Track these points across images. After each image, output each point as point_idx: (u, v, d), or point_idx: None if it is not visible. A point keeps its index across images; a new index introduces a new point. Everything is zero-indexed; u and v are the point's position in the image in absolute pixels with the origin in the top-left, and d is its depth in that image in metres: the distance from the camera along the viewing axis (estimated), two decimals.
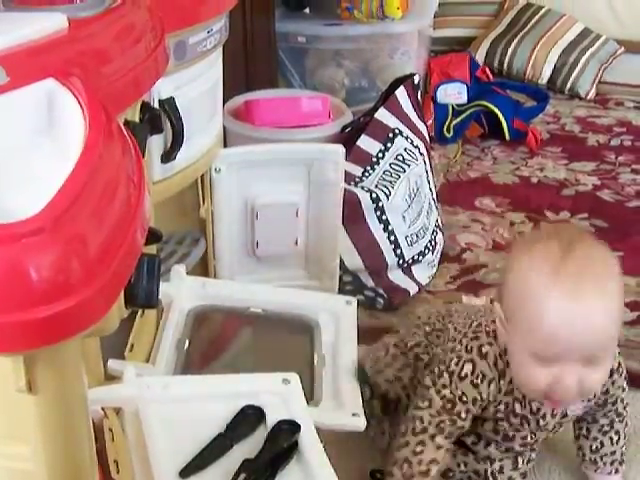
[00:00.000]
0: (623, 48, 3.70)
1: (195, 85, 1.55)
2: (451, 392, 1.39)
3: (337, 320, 1.53)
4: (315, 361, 1.44)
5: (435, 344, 1.53)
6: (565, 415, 1.46)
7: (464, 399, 1.38)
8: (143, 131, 1.22)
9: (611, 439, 1.52)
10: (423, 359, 1.53)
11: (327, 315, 1.54)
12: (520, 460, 1.52)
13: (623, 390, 1.50)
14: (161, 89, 1.43)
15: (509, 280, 1.33)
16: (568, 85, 3.54)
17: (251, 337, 1.55)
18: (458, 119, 3.01)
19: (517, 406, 1.41)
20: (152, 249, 1.49)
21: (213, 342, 1.52)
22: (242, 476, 1.10)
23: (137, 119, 1.24)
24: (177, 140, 1.49)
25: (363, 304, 2.02)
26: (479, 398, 1.38)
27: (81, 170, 0.72)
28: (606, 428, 1.52)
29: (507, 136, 3.03)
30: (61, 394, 0.78)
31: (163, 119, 1.45)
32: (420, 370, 1.53)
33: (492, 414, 1.42)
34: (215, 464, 1.13)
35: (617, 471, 1.54)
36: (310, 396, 1.34)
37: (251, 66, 2.55)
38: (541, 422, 1.44)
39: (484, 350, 1.39)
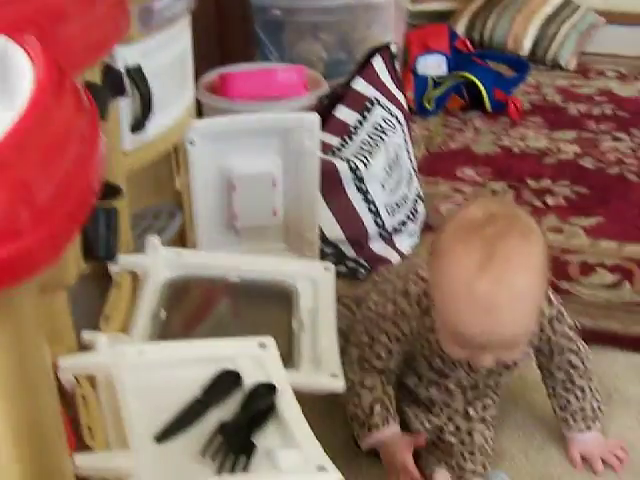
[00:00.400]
0: (603, 19, 3.68)
1: (163, 53, 1.53)
2: (369, 336, 1.45)
3: (315, 286, 1.51)
4: (294, 326, 1.42)
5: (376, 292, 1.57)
6: (501, 364, 1.47)
7: (382, 339, 1.44)
8: (103, 92, 1.21)
9: (576, 396, 1.52)
10: (364, 304, 1.58)
11: (305, 281, 1.52)
12: (471, 410, 1.53)
13: (570, 340, 1.50)
14: (127, 56, 1.42)
15: (432, 265, 1.34)
16: (549, 56, 3.54)
17: (229, 305, 1.53)
18: (438, 91, 3.00)
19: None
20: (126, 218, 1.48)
21: (190, 312, 1.50)
22: (218, 438, 1.08)
23: (98, 81, 1.23)
24: (146, 108, 1.47)
25: (345, 275, 2.01)
26: (400, 335, 1.43)
27: (26, 120, 0.70)
28: (567, 384, 1.52)
29: (488, 107, 3.02)
30: (18, 354, 0.76)
31: (131, 87, 1.43)
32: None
33: (421, 349, 1.44)
34: (191, 428, 1.12)
35: (590, 428, 1.53)
36: (289, 360, 1.33)
37: (226, 41, 2.53)
38: (471, 363, 1.45)
39: (408, 289, 1.44)
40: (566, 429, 1.55)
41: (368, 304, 1.54)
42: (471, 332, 1.27)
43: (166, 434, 1.10)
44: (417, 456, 1.47)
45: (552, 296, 1.48)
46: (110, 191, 0.86)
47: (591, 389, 1.53)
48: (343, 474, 1.06)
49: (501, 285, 1.24)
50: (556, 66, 3.54)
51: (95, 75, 1.24)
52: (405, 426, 1.51)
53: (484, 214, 1.29)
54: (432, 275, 1.34)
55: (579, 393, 1.52)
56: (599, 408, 1.54)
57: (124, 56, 1.40)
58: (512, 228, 1.27)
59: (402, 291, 1.44)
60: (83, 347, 1.24)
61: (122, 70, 1.40)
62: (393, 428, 1.45)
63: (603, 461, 1.53)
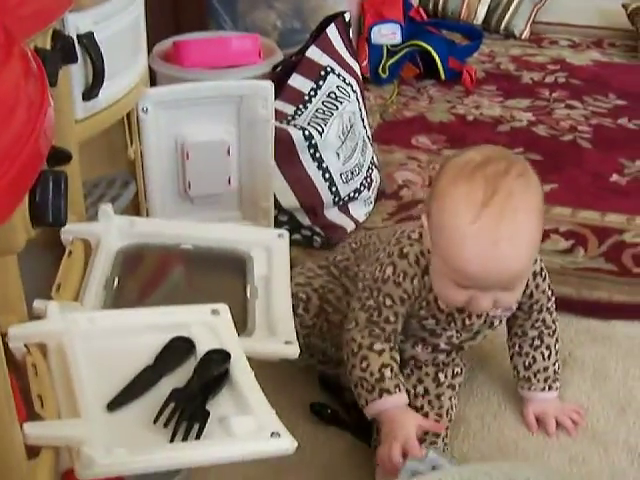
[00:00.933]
0: None
1: (115, 20, 1.50)
2: (375, 301, 1.43)
3: (269, 253, 1.51)
4: (248, 293, 1.41)
5: (361, 258, 1.57)
6: (492, 318, 1.49)
7: (388, 303, 1.43)
8: (53, 58, 1.19)
9: (542, 354, 1.54)
10: (351, 270, 1.60)
11: (259, 248, 1.51)
12: (441, 375, 1.54)
13: (548, 299, 1.53)
14: (79, 24, 1.40)
15: (433, 206, 1.35)
16: (503, 25, 3.55)
17: (182, 274, 1.53)
18: (393, 59, 3.00)
19: (442, 303, 1.43)
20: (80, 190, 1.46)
21: (143, 280, 1.48)
22: (171, 405, 1.07)
23: (48, 47, 1.21)
24: (98, 76, 1.45)
25: (300, 243, 2.01)
26: (405, 296, 1.43)
27: None
28: (537, 342, 1.54)
29: (442, 76, 3.02)
30: None
31: (83, 55, 1.42)
32: (351, 279, 1.59)
33: (418, 310, 1.45)
34: (144, 396, 1.11)
35: (550, 388, 1.56)
36: (243, 327, 1.32)
37: (180, 9, 2.52)
38: (467, 321, 1.47)
39: (405, 250, 1.43)
40: (526, 388, 1.57)
41: (360, 270, 1.55)
42: (474, 269, 1.28)
43: (118, 402, 1.09)
44: None
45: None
46: (60, 157, 0.85)
47: (556, 350, 1.57)
48: (298, 442, 1.07)
49: (504, 220, 1.26)
50: (510, 35, 3.56)
51: (46, 41, 1.22)
52: None
53: (482, 156, 1.31)
54: (434, 217, 1.34)
55: (545, 351, 1.55)
56: (559, 372, 1.57)
57: (76, 23, 1.38)
58: (511, 168, 1.30)
59: (399, 253, 1.44)
60: (34, 317, 1.23)
61: (74, 37, 1.38)
62: (404, 396, 1.42)
63: (558, 424, 1.54)
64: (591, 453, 1.50)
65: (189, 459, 1.04)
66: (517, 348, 1.57)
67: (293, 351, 1.30)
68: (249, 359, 1.18)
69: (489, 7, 3.54)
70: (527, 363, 1.56)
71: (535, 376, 1.56)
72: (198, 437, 1.05)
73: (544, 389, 1.56)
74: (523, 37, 3.53)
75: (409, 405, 1.45)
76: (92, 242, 1.47)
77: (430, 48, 2.99)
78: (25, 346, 1.12)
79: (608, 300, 1.87)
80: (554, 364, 1.56)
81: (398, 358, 1.46)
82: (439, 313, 1.45)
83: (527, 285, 1.46)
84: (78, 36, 1.40)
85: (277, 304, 1.40)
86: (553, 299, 1.55)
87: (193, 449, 1.04)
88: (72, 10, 1.33)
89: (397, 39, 3.03)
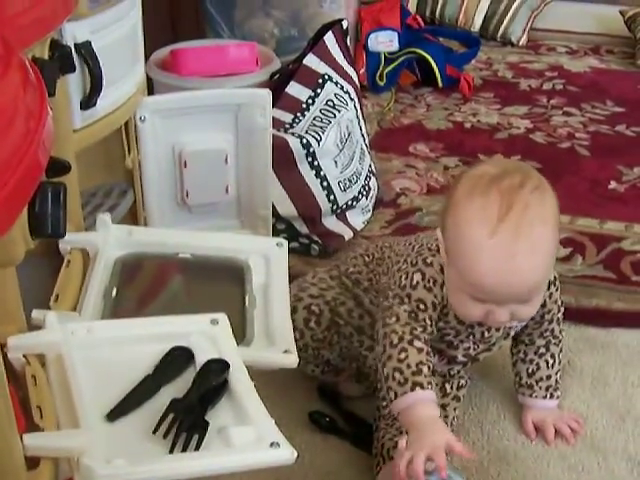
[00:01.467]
0: None
1: (112, 29, 1.50)
2: (409, 305, 1.41)
3: (268, 262, 1.50)
4: (246, 302, 1.41)
5: (376, 272, 1.56)
6: (508, 329, 1.50)
7: (422, 307, 1.41)
8: (51, 68, 1.19)
9: (547, 362, 1.55)
10: (363, 284, 1.59)
11: (258, 257, 1.51)
12: (447, 387, 1.54)
13: (559, 309, 1.53)
14: (77, 33, 1.39)
15: (449, 220, 1.34)
16: (500, 32, 3.56)
17: (181, 283, 1.52)
18: (390, 67, 3.00)
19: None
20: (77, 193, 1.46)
21: (142, 290, 1.48)
22: (170, 416, 1.07)
23: (46, 56, 1.21)
24: (96, 85, 1.45)
25: (298, 251, 2.01)
26: (437, 301, 1.41)
27: None
28: (542, 350, 1.55)
29: (440, 83, 3.03)
30: None
31: (81, 64, 1.41)
32: (363, 291, 1.59)
33: (438, 321, 1.43)
34: (143, 406, 1.10)
35: (552, 396, 1.56)
36: (242, 336, 1.32)
37: (177, 18, 2.52)
38: (486, 334, 1.47)
39: (429, 260, 1.42)
40: (527, 395, 1.57)
41: (383, 283, 1.52)
42: (491, 282, 1.28)
43: (117, 413, 1.08)
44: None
45: None
46: (59, 168, 0.85)
47: (560, 360, 1.57)
48: (298, 451, 1.06)
49: (521, 234, 1.26)
50: (507, 42, 3.56)
51: (44, 51, 1.22)
52: None
53: (497, 170, 1.31)
54: (449, 230, 1.34)
55: (550, 360, 1.56)
56: (560, 381, 1.58)
57: (73, 32, 1.37)
58: (527, 181, 1.29)
59: (423, 262, 1.43)
60: (33, 327, 1.23)
61: (71, 46, 1.37)
62: (434, 395, 1.35)
63: (557, 433, 1.54)
64: (590, 461, 1.50)
65: (189, 470, 1.03)
66: (522, 354, 1.57)
67: (292, 360, 1.29)
68: (248, 368, 1.18)
69: (486, 14, 3.55)
70: (530, 370, 1.56)
71: (537, 383, 1.56)
72: (197, 448, 1.05)
73: (545, 397, 1.56)
74: (520, 44, 3.54)
75: None
76: (90, 252, 1.47)
77: (427, 55, 2.99)
78: (24, 357, 1.11)
79: (607, 308, 1.87)
80: (557, 373, 1.57)
81: (434, 360, 1.43)
82: (459, 325, 1.44)
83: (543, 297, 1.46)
84: (76, 45, 1.40)
85: (276, 313, 1.39)
86: (562, 309, 1.55)
87: (192, 460, 1.03)
88: (69, 19, 1.32)
89: (394, 47, 3.03)
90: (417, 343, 1.37)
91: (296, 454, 1.06)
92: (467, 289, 1.33)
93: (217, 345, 1.20)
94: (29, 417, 1.03)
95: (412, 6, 3.57)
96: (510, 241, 1.26)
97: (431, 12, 3.60)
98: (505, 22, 3.55)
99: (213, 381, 1.12)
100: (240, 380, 1.14)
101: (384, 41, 3.02)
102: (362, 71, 2.95)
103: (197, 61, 2.14)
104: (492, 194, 1.28)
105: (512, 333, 1.53)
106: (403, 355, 1.35)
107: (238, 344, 1.23)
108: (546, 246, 1.29)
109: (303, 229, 2.03)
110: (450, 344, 1.49)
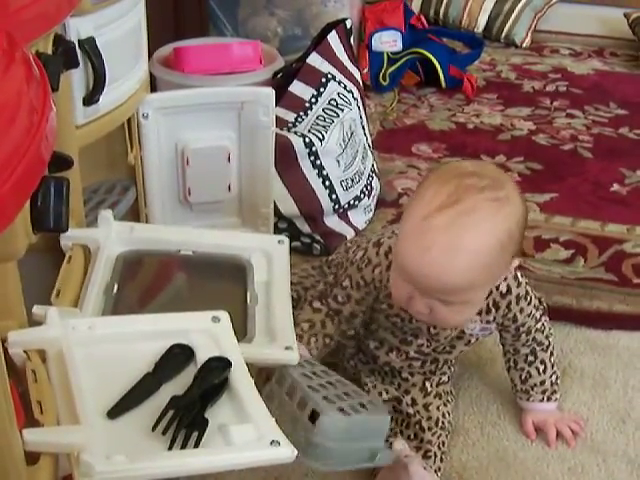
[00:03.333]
0: None
1: (116, 26, 1.50)
2: (335, 278, 1.49)
3: (269, 259, 1.50)
4: (248, 300, 1.41)
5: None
6: (462, 332, 1.48)
7: (345, 283, 1.46)
8: (55, 63, 1.19)
9: (537, 369, 1.54)
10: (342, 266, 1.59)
11: (259, 255, 1.51)
12: (428, 385, 1.55)
13: (537, 320, 1.51)
14: (80, 29, 1.39)
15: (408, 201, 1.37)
16: (504, 33, 3.55)
17: (182, 280, 1.52)
18: (394, 67, 2.99)
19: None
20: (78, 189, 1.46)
21: (143, 287, 1.48)
22: (170, 412, 1.07)
23: (49, 51, 1.21)
24: (99, 82, 1.45)
25: (300, 250, 2.00)
26: (362, 283, 1.44)
27: None
28: (530, 358, 1.54)
29: (443, 83, 3.02)
30: None
31: (84, 60, 1.41)
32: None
33: (381, 304, 1.46)
34: (144, 404, 1.11)
35: (549, 399, 1.56)
36: (243, 334, 1.32)
37: (180, 15, 2.51)
38: (432, 330, 1.47)
39: (381, 240, 1.46)
40: (525, 399, 1.57)
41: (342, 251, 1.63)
42: (408, 264, 1.27)
43: (118, 410, 1.08)
44: None
45: (520, 276, 1.48)
46: (61, 162, 0.85)
47: (552, 363, 1.56)
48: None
49: (448, 232, 1.23)
50: (511, 43, 3.55)
51: (47, 46, 1.22)
52: None
53: (473, 169, 1.30)
54: (404, 207, 1.35)
55: (540, 366, 1.55)
56: (557, 383, 1.57)
57: (77, 28, 1.38)
58: (491, 189, 1.26)
59: (375, 241, 1.46)
60: (34, 322, 1.23)
61: (75, 42, 1.37)
62: (306, 351, 1.42)
63: (557, 434, 1.54)
64: (590, 463, 1.49)
65: (188, 467, 1.03)
66: (512, 363, 1.57)
67: (293, 357, 1.29)
68: (249, 365, 1.18)
69: (490, 15, 3.54)
70: (523, 377, 1.56)
71: (532, 389, 1.56)
72: (197, 445, 1.05)
73: (542, 400, 1.56)
74: (524, 45, 3.53)
75: (399, 412, 1.49)
76: (92, 248, 1.47)
77: (431, 56, 2.98)
78: (25, 352, 1.11)
79: (608, 310, 1.87)
80: (551, 376, 1.56)
81: (330, 331, 1.47)
82: (402, 312, 1.44)
83: (509, 309, 1.46)
84: (79, 41, 1.40)
85: (277, 310, 1.40)
86: (544, 319, 1.54)
87: (192, 457, 1.04)
88: (73, 15, 1.32)
89: (398, 47, 3.03)
90: (316, 304, 1.47)
91: (296, 452, 1.06)
92: (396, 266, 1.33)
93: (218, 343, 1.20)
94: (29, 412, 1.03)
95: (416, 6, 3.57)
96: (435, 232, 1.23)
97: (435, 12, 3.60)
98: (509, 23, 3.54)
99: (214, 379, 1.13)
100: (241, 378, 1.14)
101: (388, 41, 3.02)
102: (365, 71, 2.95)
103: (200, 59, 2.14)
104: (449, 185, 1.25)
105: (473, 340, 1.51)
106: (297, 312, 1.48)
107: (239, 341, 1.23)
108: (475, 256, 1.24)
109: (305, 228, 2.02)
110: (404, 340, 1.49)
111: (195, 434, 1.05)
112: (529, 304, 1.49)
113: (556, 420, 1.55)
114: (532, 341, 1.53)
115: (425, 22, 3.22)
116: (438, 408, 1.52)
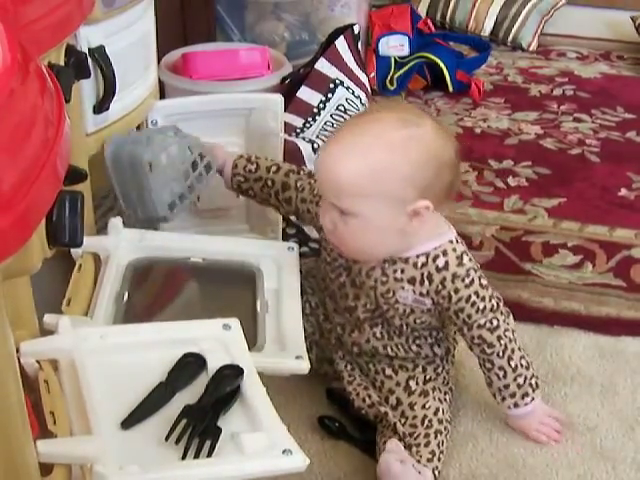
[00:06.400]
0: (564, 0, 3.69)
1: (126, 34, 1.51)
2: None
3: (279, 266, 1.51)
4: (258, 307, 1.42)
5: None
6: (397, 301, 1.48)
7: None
8: (67, 74, 1.20)
9: (497, 375, 1.51)
10: None
11: (269, 262, 1.52)
12: (412, 383, 1.53)
13: (482, 314, 1.47)
14: (90, 37, 1.40)
15: None
16: (510, 37, 3.54)
17: (192, 287, 1.53)
18: (400, 71, 2.99)
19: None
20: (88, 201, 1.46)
21: (153, 294, 1.49)
22: (183, 422, 1.07)
23: (62, 62, 1.21)
24: (109, 90, 1.46)
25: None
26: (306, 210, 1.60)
27: None
28: (487, 365, 1.51)
29: (450, 88, 3.02)
30: None
31: (94, 68, 1.42)
32: None
33: (324, 255, 1.55)
34: (157, 413, 1.11)
35: (517, 405, 1.53)
36: (253, 342, 1.33)
37: (188, 20, 2.51)
38: (357, 279, 1.49)
39: None
40: (500, 403, 1.54)
41: None
42: (317, 164, 1.43)
43: (132, 421, 1.09)
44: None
45: (467, 260, 1.46)
46: (75, 176, 0.85)
47: (513, 368, 1.50)
48: (310, 457, 1.06)
49: (352, 132, 1.38)
50: (517, 47, 3.55)
51: (59, 57, 1.22)
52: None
53: (396, 115, 1.38)
54: None
55: (500, 372, 1.50)
56: (530, 384, 1.52)
57: (87, 37, 1.39)
58: (407, 115, 1.38)
59: None
60: (45, 330, 1.23)
61: (85, 51, 1.38)
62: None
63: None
64: (599, 471, 1.49)
65: (201, 477, 1.04)
66: (480, 366, 1.54)
67: (304, 367, 1.30)
68: (259, 374, 1.18)
69: (497, 19, 3.54)
70: (488, 382, 1.53)
71: (500, 393, 1.53)
72: (210, 454, 1.05)
73: (510, 407, 1.53)
74: (531, 49, 3.53)
75: (384, 420, 1.48)
76: (102, 256, 1.47)
77: (438, 60, 2.98)
78: (37, 362, 1.12)
79: (616, 316, 1.87)
80: (516, 379, 1.50)
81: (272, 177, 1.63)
82: (335, 262, 1.52)
83: (444, 285, 1.45)
84: (89, 50, 1.41)
85: (287, 318, 1.40)
86: (496, 318, 1.48)
87: (205, 466, 1.04)
88: (84, 24, 1.33)
89: (405, 51, 3.02)
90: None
91: (308, 461, 1.06)
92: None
93: (229, 351, 1.20)
94: (42, 423, 1.04)
95: (423, 10, 3.56)
96: (341, 133, 1.39)
97: (441, 16, 3.60)
98: (515, 27, 3.53)
99: (226, 387, 1.13)
100: (252, 386, 1.15)
101: (395, 45, 3.01)
102: (372, 75, 2.95)
103: (208, 65, 2.14)
104: (375, 112, 1.43)
105: (408, 311, 1.49)
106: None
107: (250, 349, 1.24)
108: (365, 160, 1.33)
109: (313, 233, 2.02)
110: (345, 295, 1.52)
111: (208, 443, 1.06)
112: (467, 288, 1.45)
113: (536, 426, 1.54)
114: (479, 340, 1.48)
115: (432, 26, 3.22)
116: (424, 406, 1.49)
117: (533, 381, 1.53)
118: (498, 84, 3.19)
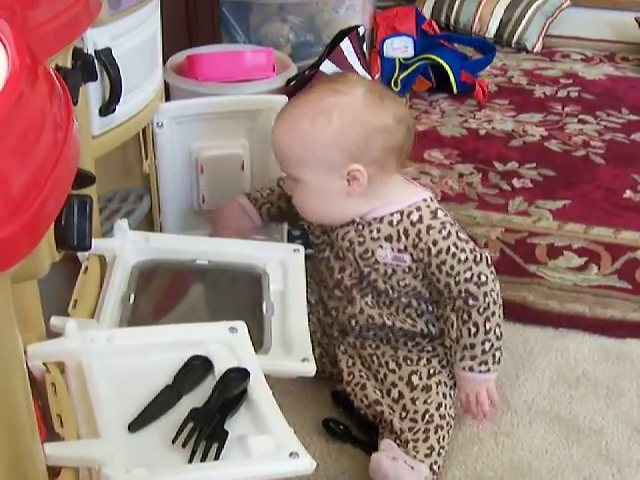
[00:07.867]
0: (568, 1, 3.69)
1: (132, 36, 1.51)
2: None
3: (285, 268, 1.51)
4: (264, 310, 1.41)
5: None
6: (377, 261, 1.51)
7: None
8: (75, 77, 1.20)
9: (469, 330, 1.50)
10: None
11: (275, 264, 1.51)
12: (415, 378, 1.52)
13: (465, 266, 1.48)
14: (97, 39, 1.40)
15: None
16: (515, 39, 3.55)
17: (198, 289, 1.53)
18: (405, 73, 2.99)
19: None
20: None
21: (159, 296, 1.49)
22: (190, 425, 1.07)
23: (69, 65, 1.21)
24: (115, 92, 1.45)
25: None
26: None
27: (0, 109, 0.69)
28: (464, 317, 1.50)
29: (455, 89, 3.02)
30: None
31: (101, 71, 1.42)
32: None
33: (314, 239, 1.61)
34: (164, 416, 1.11)
35: (472, 369, 1.52)
36: (259, 344, 1.32)
37: (193, 22, 2.52)
38: (340, 251, 1.54)
39: None
40: (457, 363, 1.53)
41: None
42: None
43: (139, 423, 1.09)
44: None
45: (442, 214, 1.50)
46: (83, 179, 0.85)
47: (487, 330, 1.49)
48: (315, 460, 1.06)
49: (300, 106, 1.48)
50: (522, 48, 3.55)
51: (67, 60, 1.22)
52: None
53: (327, 85, 1.49)
54: None
55: (473, 329, 1.49)
56: (493, 355, 1.51)
57: (94, 39, 1.38)
58: (339, 85, 1.46)
59: None
60: (52, 333, 1.23)
61: (92, 53, 1.38)
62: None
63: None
64: (605, 473, 1.49)
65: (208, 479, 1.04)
66: (449, 325, 1.52)
67: (310, 369, 1.30)
68: (265, 376, 1.18)
69: (501, 21, 3.54)
70: (454, 336, 1.51)
71: (462, 350, 1.51)
72: (217, 457, 1.05)
73: (464, 368, 1.52)
74: (535, 50, 3.53)
75: (382, 419, 1.49)
76: (108, 258, 1.47)
77: (442, 62, 2.98)
78: (44, 364, 1.12)
79: (622, 318, 1.87)
80: (483, 343, 1.49)
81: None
82: (322, 234, 1.59)
83: (420, 238, 1.48)
84: (96, 52, 1.41)
85: (293, 320, 1.40)
86: (482, 272, 1.48)
87: (212, 469, 1.04)
88: (90, 26, 1.33)
89: (409, 52, 3.03)
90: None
91: (315, 464, 1.06)
92: None
93: (236, 353, 1.20)
94: (49, 425, 1.04)
95: (427, 11, 3.57)
96: (283, 110, 1.52)
97: (446, 18, 3.60)
98: (520, 29, 3.54)
99: (233, 390, 1.13)
100: (259, 389, 1.15)
101: (399, 47, 3.01)
102: (377, 77, 2.95)
103: (214, 67, 2.14)
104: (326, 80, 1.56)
105: (390, 272, 1.51)
106: None
107: (256, 352, 1.23)
108: (293, 126, 1.47)
109: None
110: (332, 269, 1.57)
111: (215, 446, 1.06)
112: (445, 240, 1.47)
113: (475, 398, 1.54)
114: (466, 293, 1.48)
115: (436, 28, 3.22)
116: (426, 401, 1.49)
117: (497, 354, 1.52)
118: (503, 86, 3.19)
